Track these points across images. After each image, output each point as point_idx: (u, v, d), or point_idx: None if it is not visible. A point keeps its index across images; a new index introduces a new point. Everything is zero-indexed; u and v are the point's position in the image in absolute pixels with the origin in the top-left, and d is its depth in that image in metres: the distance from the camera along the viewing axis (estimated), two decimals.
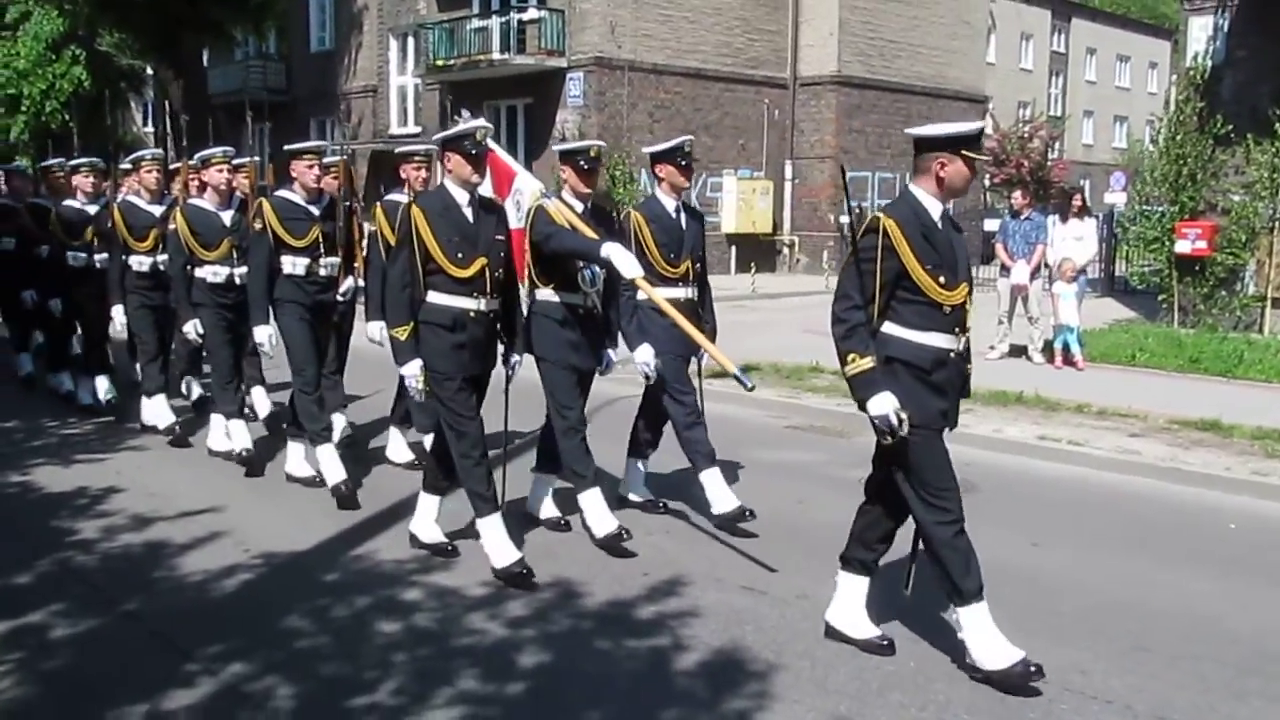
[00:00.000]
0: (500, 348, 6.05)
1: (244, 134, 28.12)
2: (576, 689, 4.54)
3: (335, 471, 7.15)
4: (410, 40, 30.11)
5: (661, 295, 6.11)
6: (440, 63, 27.46)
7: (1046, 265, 13.39)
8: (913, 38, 29.93)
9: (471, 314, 5.71)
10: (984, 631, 4.59)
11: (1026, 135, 39.46)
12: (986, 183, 36.43)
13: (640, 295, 6.26)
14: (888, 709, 4.38)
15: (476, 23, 27.24)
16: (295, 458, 7.56)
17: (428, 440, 7.62)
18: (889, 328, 4.59)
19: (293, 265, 7.23)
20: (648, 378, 6.46)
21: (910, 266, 4.51)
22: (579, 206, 6.19)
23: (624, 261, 5.73)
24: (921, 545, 4.78)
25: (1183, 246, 15.78)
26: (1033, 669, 4.49)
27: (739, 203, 27.55)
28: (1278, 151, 14.75)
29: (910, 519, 4.77)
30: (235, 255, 7.84)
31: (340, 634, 5.03)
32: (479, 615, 5.23)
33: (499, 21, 26.57)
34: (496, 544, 5.76)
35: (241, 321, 7.72)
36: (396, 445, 8.17)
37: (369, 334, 7.64)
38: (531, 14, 26.11)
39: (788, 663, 4.76)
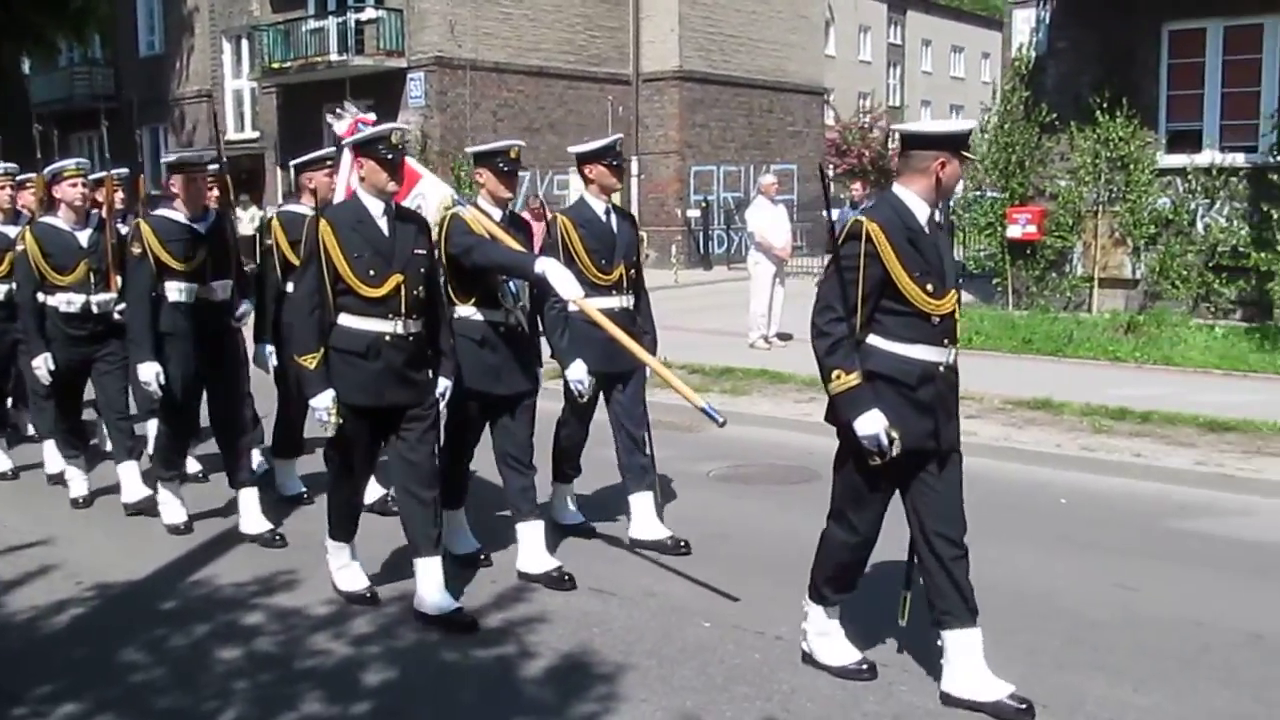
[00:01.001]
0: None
1: (73, 147, 27.05)
2: (423, 704, 4.49)
3: (175, 513, 6.79)
4: (244, 42, 29.40)
5: (594, 305, 5.70)
6: (276, 65, 26.88)
7: None
8: (752, 32, 30.37)
9: (387, 338, 5.14)
10: (829, 632, 4.68)
11: (867, 126, 40.41)
12: (830, 172, 37.16)
13: (573, 307, 5.76)
14: (733, 701, 4.44)
15: (312, 23, 26.73)
16: (249, 512, 6.70)
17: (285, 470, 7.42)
18: (873, 340, 4.30)
19: (179, 292, 6.48)
20: (580, 395, 6.02)
21: (895, 274, 4.20)
22: (497, 214, 5.75)
23: (561, 279, 5.32)
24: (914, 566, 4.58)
25: (1014, 231, 16.31)
26: (865, 667, 4.61)
27: None
28: (1099, 138, 15.37)
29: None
30: (93, 280, 7.05)
31: (178, 664, 4.88)
32: (323, 635, 5.14)
33: (335, 22, 26.13)
34: (342, 567, 5.62)
35: (101, 357, 7.15)
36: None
37: (254, 359, 7.09)
38: (369, 14, 25.74)
39: (635, 662, 4.79)
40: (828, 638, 4.68)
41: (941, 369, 4.34)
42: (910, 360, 4.28)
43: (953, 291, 4.35)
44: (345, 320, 5.15)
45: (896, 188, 4.38)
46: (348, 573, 5.61)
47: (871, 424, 4.18)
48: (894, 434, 4.19)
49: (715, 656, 4.85)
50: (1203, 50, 15.26)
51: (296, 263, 6.60)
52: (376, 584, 5.64)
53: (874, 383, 4.24)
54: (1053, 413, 9.63)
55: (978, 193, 18.83)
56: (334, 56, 25.72)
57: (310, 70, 26.03)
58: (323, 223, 5.13)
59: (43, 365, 7.08)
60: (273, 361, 7.15)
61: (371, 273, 5.10)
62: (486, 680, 4.70)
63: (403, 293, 5.15)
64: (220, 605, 5.57)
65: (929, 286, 4.24)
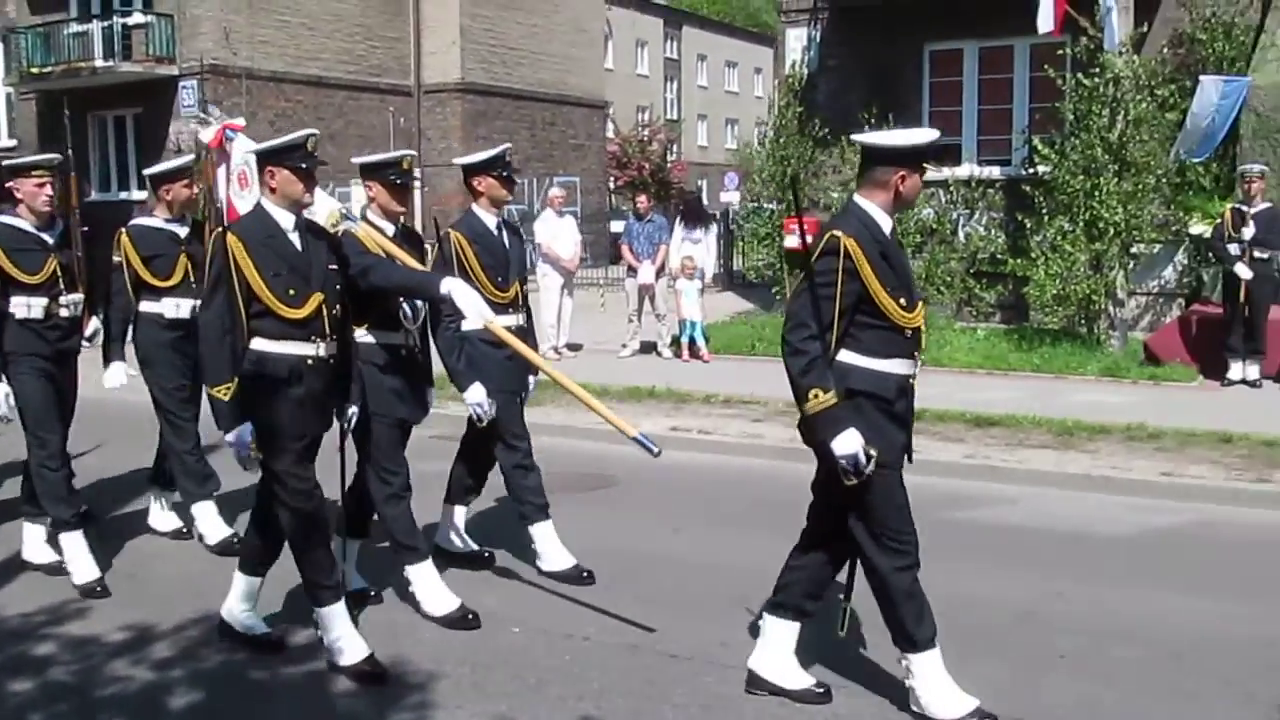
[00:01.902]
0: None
1: None
2: None
3: (86, 568, 5.93)
4: (0, 45, 27.81)
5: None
6: (36, 70, 25.53)
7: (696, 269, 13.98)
8: (534, 45, 30.56)
9: (310, 362, 4.76)
10: (937, 680, 4.36)
11: (646, 139, 41.15)
12: (611, 185, 37.68)
13: (467, 325, 5.50)
14: (546, 703, 4.55)
15: (75, 27, 25.50)
16: (34, 542, 6.29)
17: (205, 514, 6.66)
18: (847, 356, 4.22)
19: (27, 307, 5.91)
20: (480, 420, 5.75)
21: (873, 289, 4.13)
22: (390, 229, 5.38)
23: (469, 300, 4.93)
24: (867, 588, 4.45)
25: (791, 241, 16.93)
26: (987, 717, 4.31)
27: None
28: None
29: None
30: None
31: None
32: (122, 662, 4.99)
33: (100, 26, 24.99)
34: (339, 639, 4.88)
35: None
36: (159, 513, 6.98)
37: (108, 380, 6.50)
38: (137, 19, 24.73)
39: (447, 671, 4.84)
40: (938, 688, 4.35)
41: (911, 381, 4.33)
42: (887, 375, 4.24)
43: (920, 303, 4.34)
44: (262, 345, 4.73)
45: (859, 199, 4.30)
46: (349, 643, 4.86)
47: (850, 443, 4.10)
48: (872, 451, 4.14)
49: (527, 660, 4.95)
50: (961, 69, 16.25)
51: (151, 280, 6.40)
52: (178, 604, 5.50)
53: (855, 399, 4.17)
54: None
55: (755, 204, 19.48)
56: (99, 62, 24.61)
57: (73, 76, 24.83)
58: (231, 238, 4.71)
59: None
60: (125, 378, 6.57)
61: (291, 292, 4.72)
62: (297, 696, 4.68)
63: (323, 313, 4.80)
64: (8, 637, 5.33)
65: (901, 300, 4.21)
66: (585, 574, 5.96)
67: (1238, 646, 5.08)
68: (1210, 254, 12.61)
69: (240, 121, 5.61)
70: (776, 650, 4.59)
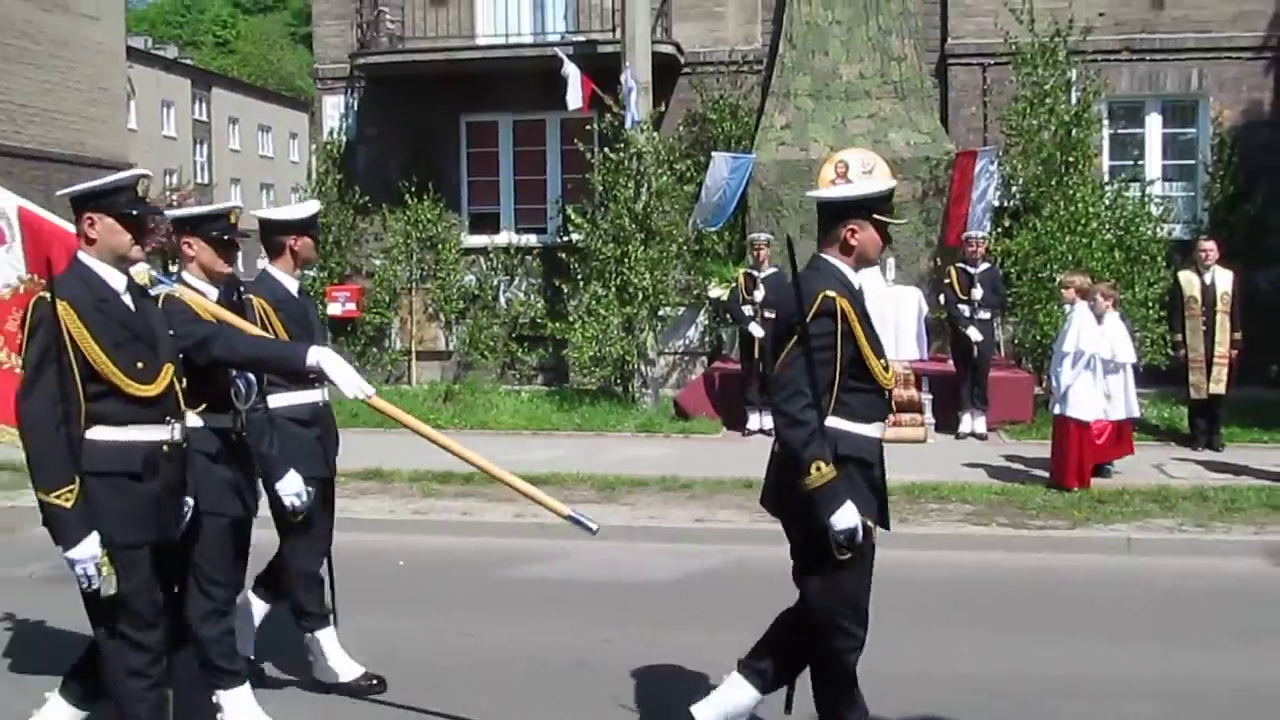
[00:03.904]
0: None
1: None
2: None
3: None
4: None
5: (295, 400, 5.02)
6: None
7: None
8: (47, 103, 28.35)
9: (165, 449, 3.95)
10: None
11: (175, 203, 39.25)
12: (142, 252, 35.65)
13: (275, 402, 4.87)
14: None
15: None
16: None
17: None
18: (838, 423, 3.98)
19: None
20: (295, 513, 4.99)
21: (864, 351, 3.95)
22: (213, 293, 4.62)
23: (342, 372, 4.28)
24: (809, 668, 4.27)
25: (335, 309, 16.72)
26: None
27: None
28: (409, 220, 16.28)
29: None
30: None
31: None
32: None
33: None
34: None
35: None
36: None
37: None
38: None
39: None
40: None
41: (881, 444, 4.18)
42: (870, 439, 4.07)
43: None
44: (105, 433, 3.87)
45: (827, 256, 4.13)
46: None
47: (850, 517, 3.89)
48: (869, 524, 3.96)
49: None
50: (496, 140, 16.81)
51: None
52: None
53: (846, 467, 3.95)
54: (384, 481, 10.04)
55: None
56: None
57: None
58: (62, 305, 3.79)
59: None
60: None
61: (140, 365, 3.91)
62: None
63: (175, 388, 4.02)
64: None
65: (883, 361, 4.07)
66: (375, 680, 5.36)
67: None
68: (728, 315, 13.72)
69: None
70: (727, 707, 4.37)
